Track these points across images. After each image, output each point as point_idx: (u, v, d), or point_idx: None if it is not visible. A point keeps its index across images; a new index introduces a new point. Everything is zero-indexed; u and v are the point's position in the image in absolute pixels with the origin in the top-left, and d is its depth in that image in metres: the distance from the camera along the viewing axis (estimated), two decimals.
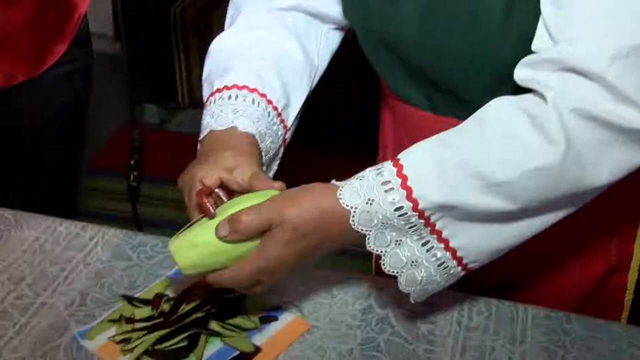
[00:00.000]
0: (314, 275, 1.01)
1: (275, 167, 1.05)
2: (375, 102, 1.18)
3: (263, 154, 0.97)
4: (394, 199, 0.81)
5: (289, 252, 0.83)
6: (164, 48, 3.01)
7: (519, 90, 0.85)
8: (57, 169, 1.62)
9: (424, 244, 0.84)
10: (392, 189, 0.81)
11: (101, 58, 1.76)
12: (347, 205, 0.82)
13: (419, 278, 0.85)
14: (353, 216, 0.82)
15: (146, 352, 0.89)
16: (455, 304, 0.98)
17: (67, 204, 1.72)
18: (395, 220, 0.82)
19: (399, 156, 0.84)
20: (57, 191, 1.65)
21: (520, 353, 0.91)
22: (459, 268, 0.86)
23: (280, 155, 1.05)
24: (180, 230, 0.88)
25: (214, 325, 0.92)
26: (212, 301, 0.93)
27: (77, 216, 1.66)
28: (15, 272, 1.02)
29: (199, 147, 0.98)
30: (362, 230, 0.82)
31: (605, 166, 0.81)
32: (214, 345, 0.91)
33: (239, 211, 0.84)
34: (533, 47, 0.84)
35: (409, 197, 0.81)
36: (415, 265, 0.84)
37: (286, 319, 0.95)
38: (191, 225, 0.88)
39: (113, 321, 0.94)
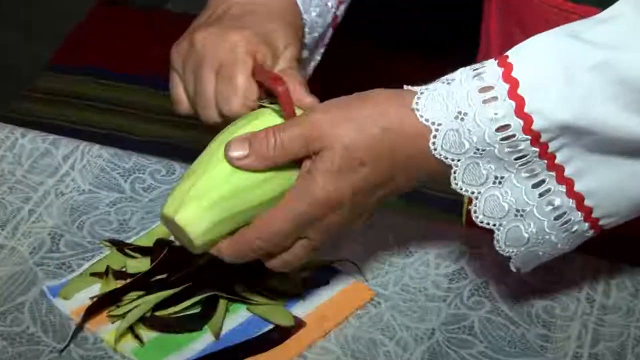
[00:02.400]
0: (381, 223, 1.01)
1: (318, 57, 1.04)
2: None
3: (307, 31, 0.96)
4: (496, 114, 0.79)
5: (341, 185, 0.81)
6: None
7: None
8: None
9: (537, 185, 0.82)
10: (494, 98, 0.79)
11: None
12: (427, 120, 0.80)
13: (526, 235, 0.84)
14: (434, 136, 0.80)
15: (142, 320, 0.91)
16: (586, 272, 0.97)
17: None
18: (497, 146, 0.80)
19: (508, 52, 0.81)
20: None
21: None
22: (586, 224, 0.85)
23: (326, 40, 1.04)
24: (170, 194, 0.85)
25: (238, 288, 0.93)
26: None
27: None
28: None
29: None
30: (446, 158, 0.81)
31: None
32: (238, 315, 0.92)
33: (258, 130, 0.82)
34: None
35: (519, 111, 0.79)
36: (521, 215, 0.83)
37: (341, 283, 0.96)
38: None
39: (96, 275, 0.95)
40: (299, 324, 0.92)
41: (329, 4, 1.00)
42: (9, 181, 1.06)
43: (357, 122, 0.81)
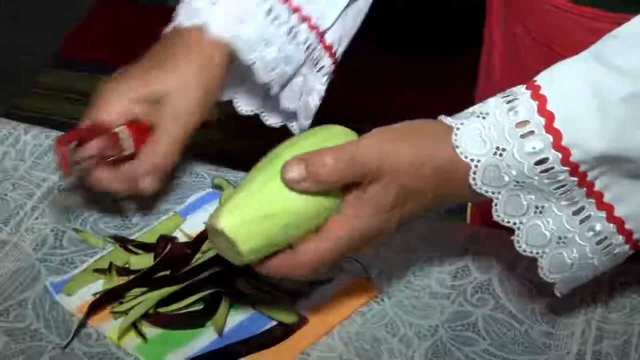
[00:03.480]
0: None
1: (311, 100, 1.06)
2: None
3: (259, 68, 0.99)
4: (534, 148, 0.80)
5: (390, 219, 0.82)
6: None
7: None
8: None
9: (577, 212, 0.83)
10: (531, 132, 0.80)
11: None
12: (466, 157, 0.81)
13: (569, 261, 0.85)
14: (474, 172, 0.81)
15: (145, 317, 0.91)
16: None
17: None
18: (536, 178, 0.81)
19: (538, 81, 0.82)
20: None
21: None
22: (627, 246, 0.85)
23: (324, 71, 1.05)
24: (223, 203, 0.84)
25: (241, 284, 0.93)
26: None
27: None
28: None
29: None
30: (486, 192, 0.82)
31: None
32: (241, 312, 0.93)
33: (316, 151, 0.81)
34: None
35: (556, 144, 0.80)
36: (563, 242, 0.84)
37: (344, 280, 0.96)
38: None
39: (99, 271, 0.95)
40: (302, 321, 0.92)
41: (302, 37, 1.02)
42: (12, 177, 1.06)
43: (416, 160, 0.81)
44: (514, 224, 0.83)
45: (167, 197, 1.05)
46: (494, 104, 0.82)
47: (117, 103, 0.96)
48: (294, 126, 1.09)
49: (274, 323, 0.92)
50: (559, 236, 0.84)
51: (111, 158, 0.96)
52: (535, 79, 0.82)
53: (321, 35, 1.04)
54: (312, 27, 1.03)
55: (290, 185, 0.81)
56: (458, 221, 1.11)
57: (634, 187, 0.82)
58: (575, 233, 0.84)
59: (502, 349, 0.91)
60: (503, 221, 0.83)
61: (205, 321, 0.91)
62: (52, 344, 0.90)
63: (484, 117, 0.82)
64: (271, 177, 0.82)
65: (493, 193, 0.82)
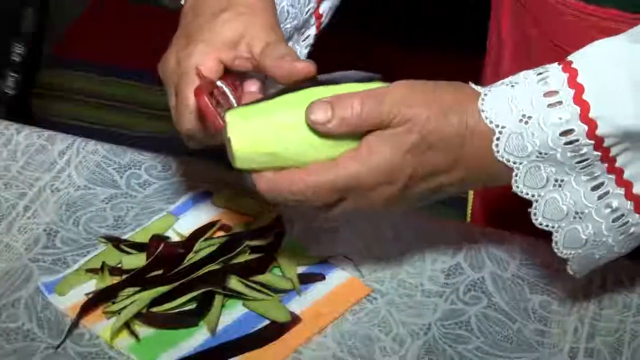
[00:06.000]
0: (378, 218, 1.01)
1: (303, 47, 1.04)
2: None
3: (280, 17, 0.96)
4: (560, 119, 0.80)
5: (405, 164, 0.81)
6: None
7: None
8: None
9: (596, 188, 0.83)
10: (559, 102, 0.80)
11: None
12: (491, 122, 0.81)
13: (584, 237, 0.85)
14: (498, 139, 0.81)
15: (138, 316, 0.91)
16: None
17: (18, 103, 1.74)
18: (559, 150, 0.81)
19: (570, 57, 0.82)
20: None
21: None
22: None
23: (309, 39, 1.04)
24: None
25: (234, 283, 0.93)
26: (234, 248, 0.94)
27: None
28: None
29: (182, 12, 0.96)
30: (508, 161, 0.82)
31: None
32: (234, 311, 0.93)
33: (342, 94, 0.81)
34: None
35: (584, 116, 0.80)
36: (580, 217, 0.84)
37: (337, 279, 0.96)
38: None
39: (92, 271, 0.95)
40: (295, 319, 0.92)
41: None
42: (4, 177, 1.06)
43: (443, 108, 0.82)
44: (532, 196, 0.83)
45: (160, 196, 1.05)
46: (524, 75, 0.83)
47: (206, 60, 0.89)
48: None
49: (267, 322, 0.92)
50: (575, 211, 0.84)
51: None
52: (567, 57, 0.82)
53: (319, 1, 1.03)
54: None
55: (314, 126, 0.80)
56: (451, 219, 1.11)
57: None
58: (592, 209, 0.84)
59: (495, 347, 0.91)
60: (522, 193, 0.83)
61: (198, 320, 0.91)
62: (45, 343, 0.89)
63: (512, 86, 0.82)
64: (297, 113, 0.81)
65: (515, 163, 0.82)
